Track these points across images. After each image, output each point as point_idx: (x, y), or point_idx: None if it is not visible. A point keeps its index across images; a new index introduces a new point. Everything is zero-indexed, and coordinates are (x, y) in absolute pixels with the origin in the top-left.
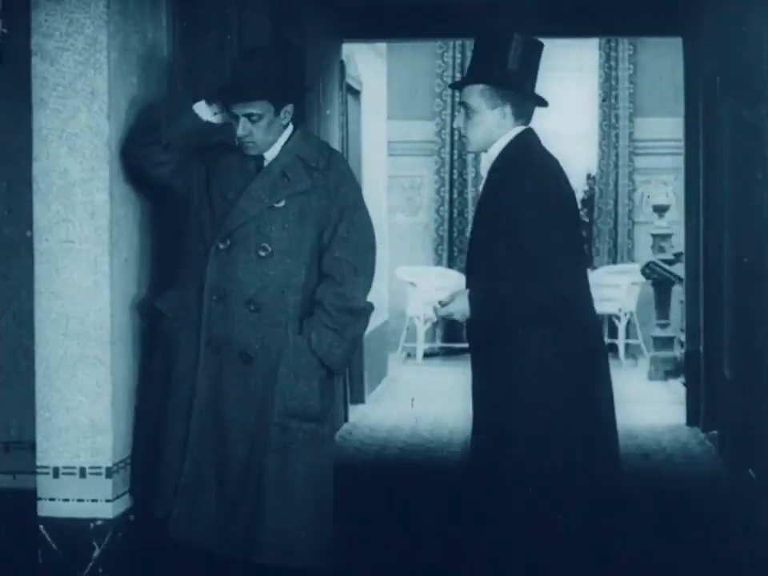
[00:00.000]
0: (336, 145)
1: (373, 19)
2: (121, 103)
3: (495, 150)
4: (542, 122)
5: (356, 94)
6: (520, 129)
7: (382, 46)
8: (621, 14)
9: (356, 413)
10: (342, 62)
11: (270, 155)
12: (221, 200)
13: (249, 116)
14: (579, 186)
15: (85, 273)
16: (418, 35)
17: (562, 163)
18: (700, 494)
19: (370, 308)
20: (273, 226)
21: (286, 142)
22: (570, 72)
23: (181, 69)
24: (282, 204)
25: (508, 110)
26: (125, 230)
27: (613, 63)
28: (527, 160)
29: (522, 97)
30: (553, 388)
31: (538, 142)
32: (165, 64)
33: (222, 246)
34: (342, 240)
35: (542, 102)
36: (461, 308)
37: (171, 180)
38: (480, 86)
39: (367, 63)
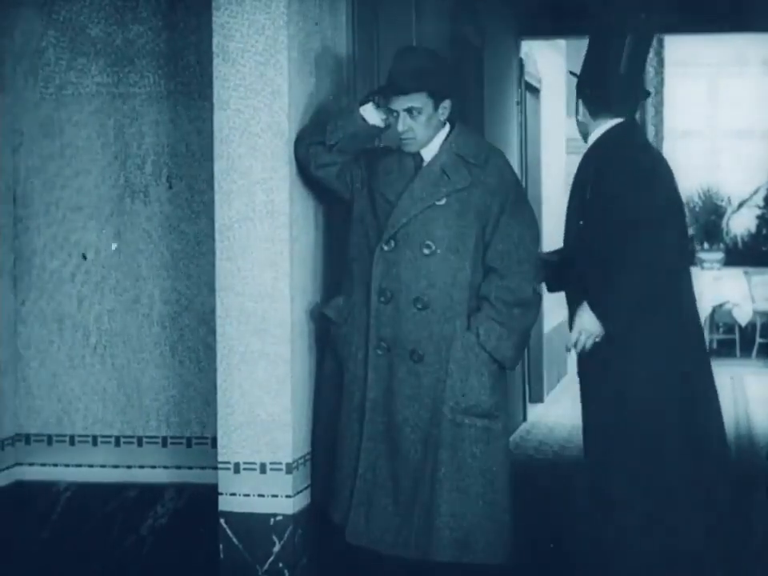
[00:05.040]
0: (514, 143)
1: (552, 16)
2: (300, 103)
3: (590, 141)
4: (726, 117)
5: (535, 91)
6: (613, 122)
7: (561, 42)
8: None
9: (535, 412)
10: (520, 59)
11: (428, 154)
12: (382, 202)
13: (409, 111)
14: None
15: (265, 271)
16: None
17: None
18: None
19: (537, 299)
20: (435, 224)
21: (445, 140)
22: (756, 67)
23: (360, 68)
24: (443, 202)
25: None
26: (303, 229)
27: None
28: (630, 148)
29: (599, 91)
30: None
31: (635, 133)
32: (344, 64)
33: (386, 248)
34: (504, 233)
35: (645, 93)
36: (591, 323)
37: (335, 182)
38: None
39: (546, 60)
